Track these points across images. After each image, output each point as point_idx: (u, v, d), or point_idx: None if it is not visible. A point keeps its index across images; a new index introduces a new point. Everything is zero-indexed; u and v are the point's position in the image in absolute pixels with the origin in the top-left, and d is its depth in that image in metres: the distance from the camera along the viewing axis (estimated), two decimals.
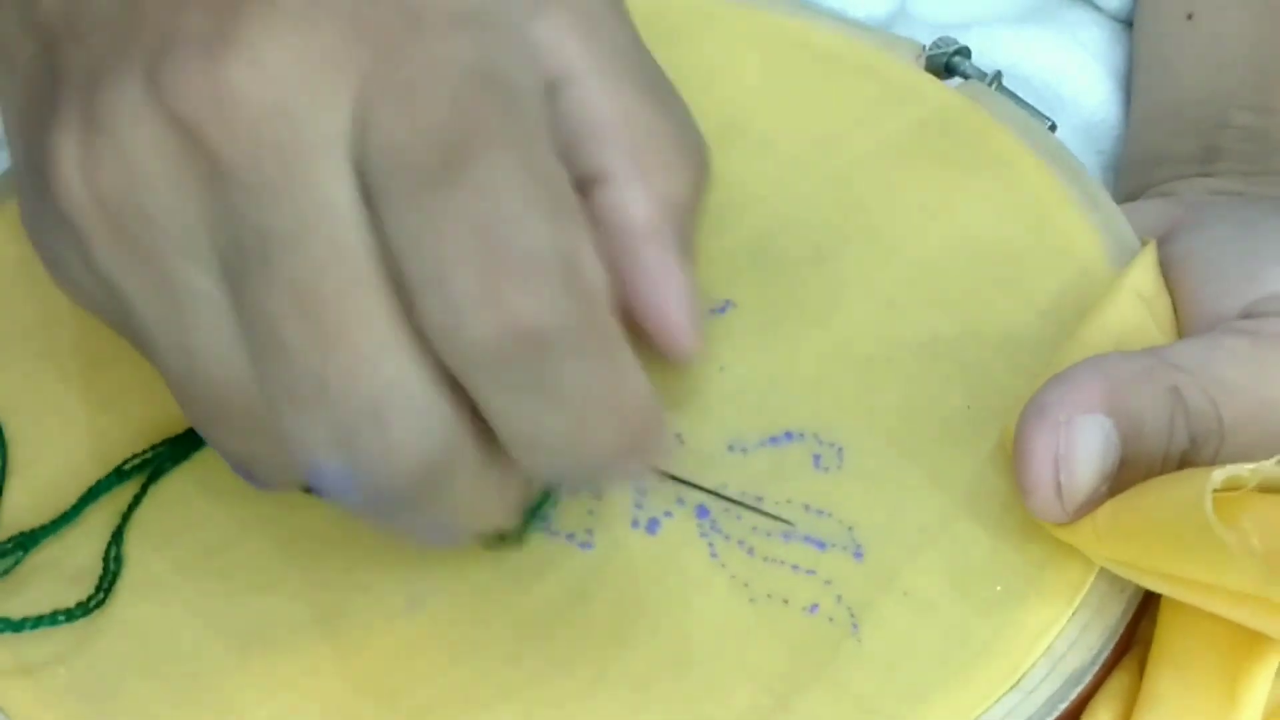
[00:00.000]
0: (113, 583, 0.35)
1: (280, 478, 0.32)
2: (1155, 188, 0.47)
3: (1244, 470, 0.30)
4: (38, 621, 0.34)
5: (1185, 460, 0.34)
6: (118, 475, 0.36)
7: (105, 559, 0.35)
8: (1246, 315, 0.36)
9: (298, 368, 0.28)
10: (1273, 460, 0.31)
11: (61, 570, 0.35)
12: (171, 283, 0.29)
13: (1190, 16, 0.49)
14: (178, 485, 0.37)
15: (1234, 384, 0.34)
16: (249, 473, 0.32)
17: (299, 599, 0.35)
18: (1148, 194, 0.47)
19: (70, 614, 0.34)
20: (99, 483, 0.36)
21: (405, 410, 0.28)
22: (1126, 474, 0.34)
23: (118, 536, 0.35)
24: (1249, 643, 0.33)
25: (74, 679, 0.34)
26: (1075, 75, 0.52)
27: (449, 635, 0.34)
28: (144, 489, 0.36)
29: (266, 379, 0.29)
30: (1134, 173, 0.49)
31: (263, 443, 0.30)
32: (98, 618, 0.34)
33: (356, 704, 0.33)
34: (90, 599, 0.34)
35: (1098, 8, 0.53)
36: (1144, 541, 0.32)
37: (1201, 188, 0.46)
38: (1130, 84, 0.52)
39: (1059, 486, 0.34)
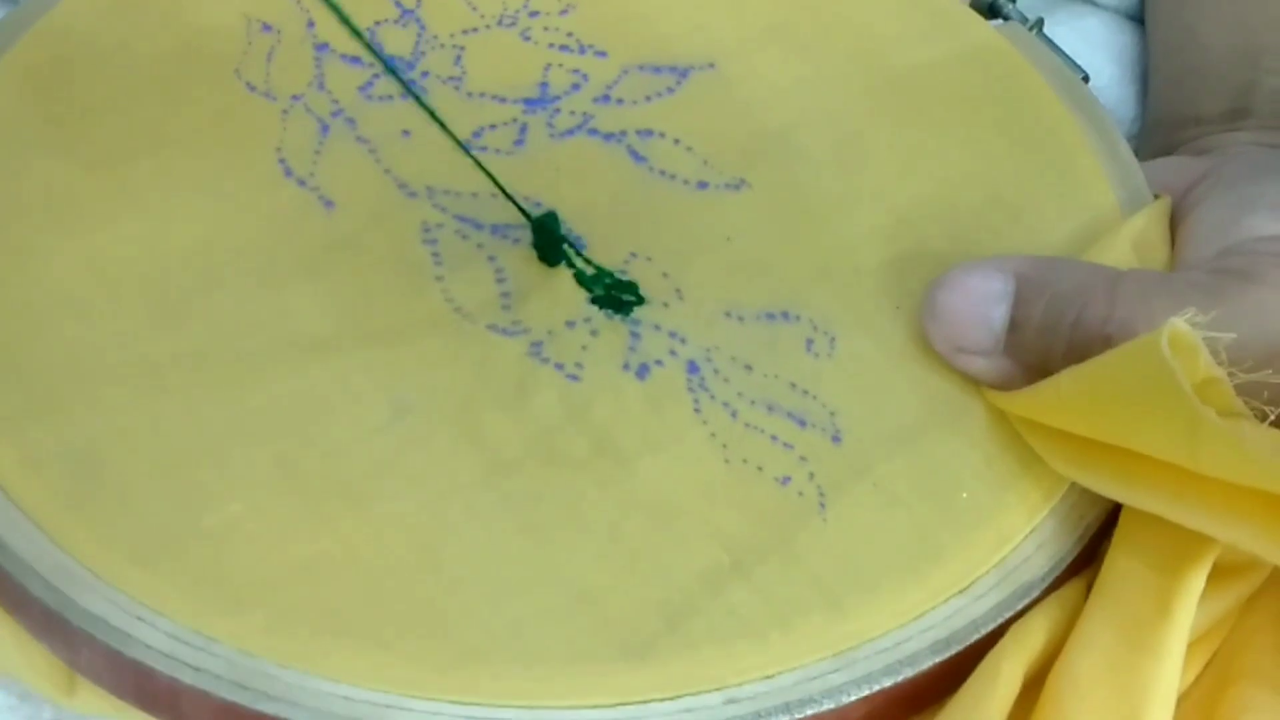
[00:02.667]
0: None
1: None
2: (1185, 145, 0.48)
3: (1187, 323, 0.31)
4: None
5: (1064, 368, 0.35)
6: None
7: None
8: (1220, 257, 0.37)
9: None
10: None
11: None
12: None
13: None
14: None
15: (1146, 324, 0.34)
16: None
17: (284, 400, 0.35)
18: (1178, 151, 0.48)
19: None
20: None
21: None
22: (1014, 345, 0.36)
23: None
24: (1183, 553, 0.34)
25: (63, 449, 0.34)
26: (1080, 60, 0.53)
27: (428, 448, 0.35)
28: None
29: None
30: (1159, 133, 0.50)
31: None
32: (86, 402, 0.35)
33: (329, 505, 0.34)
34: None
35: (1096, 4, 0.54)
36: (1101, 400, 0.33)
37: (1231, 141, 0.46)
38: (1139, 66, 0.53)
39: (953, 314, 0.36)
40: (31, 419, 0.34)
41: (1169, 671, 0.33)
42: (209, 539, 0.33)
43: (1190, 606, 0.33)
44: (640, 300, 0.38)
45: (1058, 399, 0.34)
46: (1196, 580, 0.33)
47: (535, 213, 0.39)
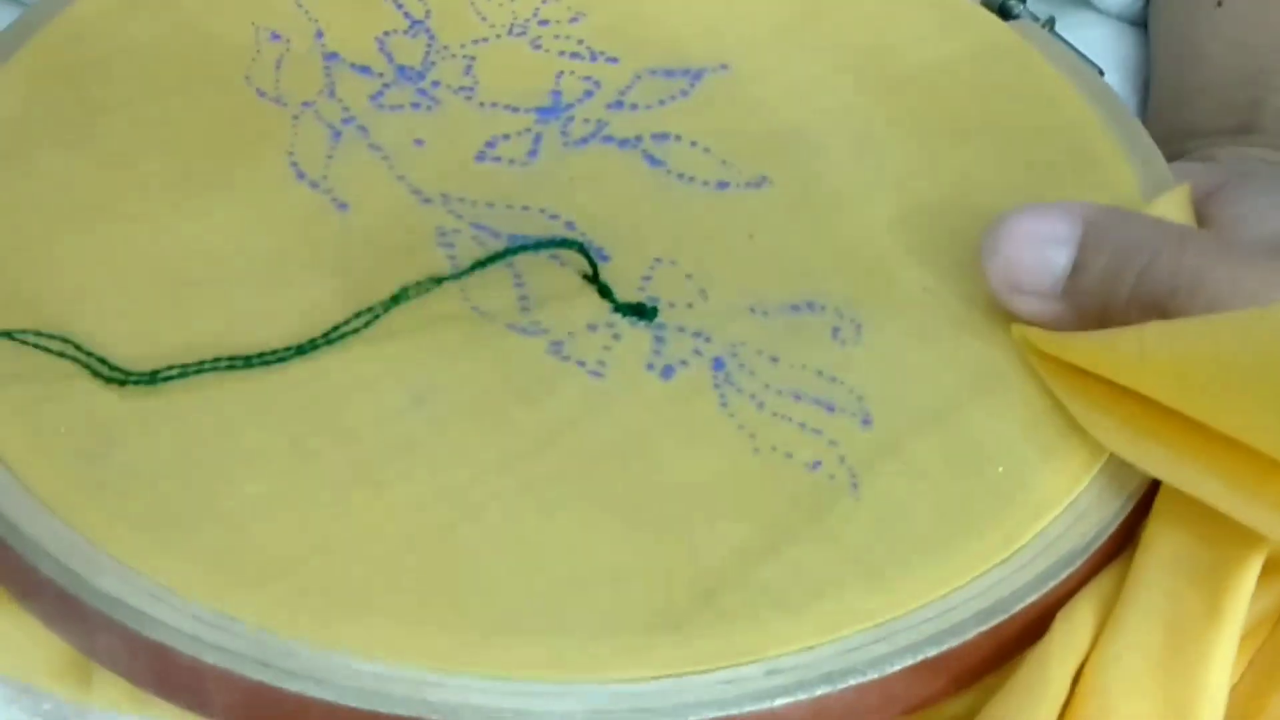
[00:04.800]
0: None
1: None
2: (1188, 156, 0.48)
3: None
4: None
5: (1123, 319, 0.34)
6: None
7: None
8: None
9: None
10: None
11: None
12: None
13: (1220, 3, 0.50)
14: None
15: (1212, 284, 0.34)
16: None
17: (301, 385, 0.35)
18: (1186, 159, 0.47)
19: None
20: None
21: None
22: (1074, 289, 0.35)
23: None
24: (1234, 551, 0.33)
25: (74, 434, 0.33)
26: None
27: (448, 435, 0.34)
28: None
29: None
30: (1161, 144, 0.50)
31: None
32: (100, 389, 0.34)
33: (347, 491, 0.33)
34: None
35: (1098, 9, 0.54)
36: (1190, 370, 0.32)
37: (1237, 155, 0.46)
38: (1142, 74, 0.53)
39: (1015, 252, 0.36)
40: (43, 401, 0.34)
41: (1219, 675, 0.32)
42: (226, 519, 0.32)
43: (1242, 607, 0.32)
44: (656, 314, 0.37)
45: (1139, 353, 0.33)
46: (1248, 579, 0.32)
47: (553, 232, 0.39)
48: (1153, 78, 0.52)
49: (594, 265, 0.37)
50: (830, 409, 0.35)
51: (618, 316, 0.37)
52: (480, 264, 0.36)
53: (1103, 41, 0.53)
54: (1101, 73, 0.44)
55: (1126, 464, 0.35)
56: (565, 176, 0.40)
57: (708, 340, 0.37)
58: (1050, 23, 0.45)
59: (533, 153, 0.40)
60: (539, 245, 0.37)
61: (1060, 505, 0.34)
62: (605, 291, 0.37)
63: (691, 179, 0.40)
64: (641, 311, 0.37)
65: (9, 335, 0.34)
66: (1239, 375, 0.31)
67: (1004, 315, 0.37)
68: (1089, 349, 0.35)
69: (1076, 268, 0.35)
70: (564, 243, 0.37)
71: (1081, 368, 0.35)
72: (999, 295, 0.37)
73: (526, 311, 0.37)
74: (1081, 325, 0.35)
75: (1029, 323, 0.36)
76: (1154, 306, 0.34)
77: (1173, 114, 0.50)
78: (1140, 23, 0.54)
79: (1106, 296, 0.35)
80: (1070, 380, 0.36)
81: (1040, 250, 0.36)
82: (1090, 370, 0.35)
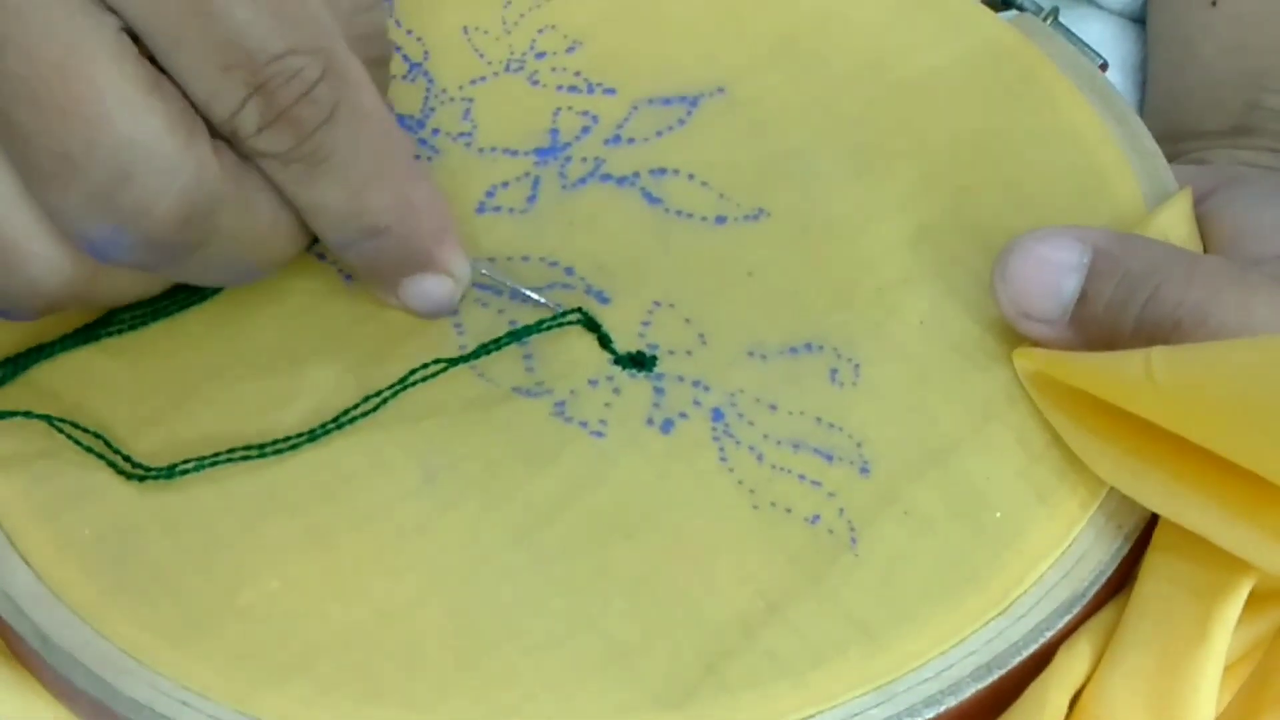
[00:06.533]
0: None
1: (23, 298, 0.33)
2: (1184, 157, 0.47)
3: None
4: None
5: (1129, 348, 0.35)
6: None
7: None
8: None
9: (39, 148, 0.30)
10: None
11: None
12: None
13: (1215, 3, 0.49)
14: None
15: (1219, 312, 0.34)
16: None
17: (314, 471, 0.36)
18: (1178, 162, 0.47)
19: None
20: None
21: (154, 163, 0.31)
22: (1081, 317, 0.36)
23: None
24: (1223, 577, 0.33)
25: (99, 535, 0.35)
26: None
27: (459, 512, 0.35)
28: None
29: (17, 168, 0.31)
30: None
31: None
32: (121, 485, 0.35)
33: (362, 574, 0.34)
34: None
35: (1099, 5, 0.53)
36: (1195, 393, 0.32)
37: (1231, 158, 0.46)
38: (1143, 71, 0.52)
39: (1024, 279, 0.36)
40: (65, 505, 0.35)
41: (1206, 699, 0.32)
42: (246, 616, 0.33)
43: (1227, 633, 0.33)
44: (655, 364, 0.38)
45: (1145, 374, 0.33)
46: (1234, 607, 0.33)
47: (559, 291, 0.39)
48: (1148, 77, 0.51)
49: (599, 327, 0.38)
50: (829, 459, 0.36)
51: (618, 369, 0.38)
52: (486, 349, 0.37)
53: (1103, 38, 0.53)
54: (1105, 65, 0.44)
55: (1123, 503, 0.35)
56: (564, 220, 0.40)
57: (706, 390, 0.37)
58: (1054, 13, 0.44)
59: (531, 198, 0.41)
60: (545, 325, 0.38)
61: (1059, 549, 0.35)
62: (605, 342, 0.38)
63: (690, 215, 0.41)
64: (641, 363, 0.38)
65: (50, 421, 0.35)
66: (1245, 400, 0.32)
67: (1000, 347, 0.38)
68: (1093, 368, 0.35)
69: (1083, 297, 0.36)
70: (567, 317, 0.38)
71: (1080, 398, 0.36)
72: (1009, 319, 0.37)
73: (531, 372, 0.38)
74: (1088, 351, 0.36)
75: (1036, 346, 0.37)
76: (1159, 337, 0.34)
77: (1167, 114, 0.50)
78: (1142, 19, 0.53)
79: (1113, 325, 0.35)
80: (1069, 412, 0.36)
81: (1049, 277, 0.36)
82: (1092, 392, 0.35)
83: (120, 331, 0.37)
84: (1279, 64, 0.48)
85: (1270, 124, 0.47)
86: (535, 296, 0.38)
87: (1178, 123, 0.49)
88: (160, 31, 0.31)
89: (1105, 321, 0.36)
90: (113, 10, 0.30)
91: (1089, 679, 0.34)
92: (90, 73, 0.30)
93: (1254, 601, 0.34)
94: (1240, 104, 0.47)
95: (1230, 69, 0.48)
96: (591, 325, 0.38)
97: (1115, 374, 0.34)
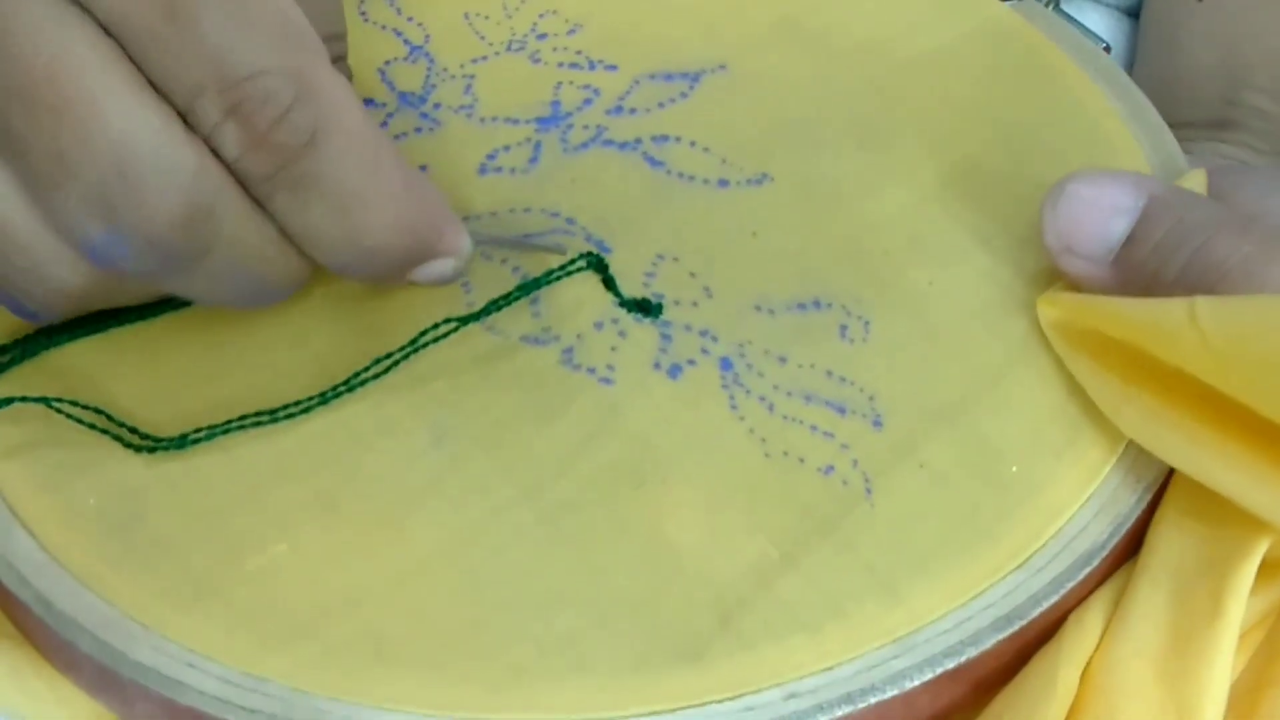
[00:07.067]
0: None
1: (49, 301, 0.33)
2: None
3: None
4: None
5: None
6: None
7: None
8: None
9: (35, 149, 0.29)
10: None
11: None
12: None
13: None
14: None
15: (1271, 268, 0.34)
16: (17, 304, 0.33)
17: (323, 436, 0.35)
18: None
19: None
20: None
21: (149, 162, 0.30)
22: (1125, 259, 0.35)
23: None
24: (1234, 548, 0.33)
25: (103, 504, 0.34)
26: None
27: (468, 472, 0.34)
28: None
29: (15, 172, 0.30)
30: None
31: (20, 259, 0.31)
32: (126, 455, 0.35)
33: (371, 536, 0.33)
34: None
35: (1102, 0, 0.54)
36: (1240, 345, 0.32)
37: (1213, 151, 0.46)
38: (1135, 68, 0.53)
39: (1074, 214, 0.36)
40: (69, 477, 0.34)
41: (1221, 673, 0.32)
42: (254, 580, 0.33)
43: (1241, 604, 0.32)
44: (660, 310, 0.37)
45: (1188, 320, 0.32)
46: (1247, 577, 0.32)
47: (557, 227, 0.39)
48: (1136, 68, 0.52)
49: (606, 268, 0.38)
50: (841, 411, 0.36)
51: (623, 312, 0.37)
52: (496, 304, 0.37)
53: (1101, 31, 0.53)
54: (1108, 49, 0.44)
55: (1141, 457, 0.35)
56: (566, 178, 0.40)
57: (714, 340, 0.37)
58: (1055, 0, 0.44)
59: (533, 159, 0.41)
60: (554, 276, 0.37)
61: (1076, 504, 0.34)
62: (611, 284, 0.38)
63: (692, 178, 0.40)
64: (646, 308, 0.37)
65: (46, 403, 0.35)
66: None
67: (1011, 306, 0.37)
68: (1129, 314, 0.34)
69: (1131, 238, 0.36)
70: (575, 263, 0.38)
71: (1106, 348, 0.35)
72: (1050, 251, 0.37)
73: (538, 317, 0.37)
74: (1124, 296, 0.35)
75: (1071, 285, 0.37)
76: (1202, 287, 0.34)
77: (1154, 104, 0.50)
78: (1136, 13, 0.53)
79: (1156, 270, 0.35)
80: (1093, 361, 0.36)
81: (1101, 215, 0.36)
82: (1125, 338, 0.35)
83: (131, 321, 0.37)
84: (1261, 60, 0.48)
85: (1252, 121, 0.47)
86: (539, 242, 0.38)
87: (1162, 113, 0.49)
88: (133, 40, 0.30)
89: (1149, 265, 0.35)
90: (89, 12, 0.30)
91: (1098, 649, 0.33)
92: (79, 71, 0.29)
93: (1266, 569, 0.33)
94: (1221, 99, 0.48)
95: (1212, 61, 0.49)
96: (600, 266, 0.38)
97: (1154, 320, 0.34)
